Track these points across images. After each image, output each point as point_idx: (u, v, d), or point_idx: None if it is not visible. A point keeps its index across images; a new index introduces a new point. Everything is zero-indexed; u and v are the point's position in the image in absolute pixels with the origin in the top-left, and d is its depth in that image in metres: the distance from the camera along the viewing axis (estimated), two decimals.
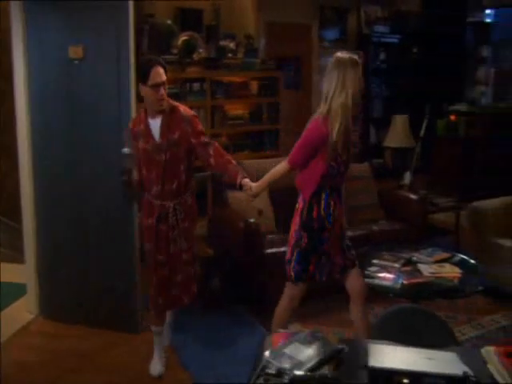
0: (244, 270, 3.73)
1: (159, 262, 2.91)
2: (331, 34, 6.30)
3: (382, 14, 6.28)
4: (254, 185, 2.80)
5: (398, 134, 5.06)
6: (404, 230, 4.45)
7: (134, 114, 3.26)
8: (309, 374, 1.42)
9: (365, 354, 1.48)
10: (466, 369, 1.30)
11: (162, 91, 2.74)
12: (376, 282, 3.26)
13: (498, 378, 1.35)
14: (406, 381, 1.29)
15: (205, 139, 2.85)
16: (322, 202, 2.72)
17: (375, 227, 4.43)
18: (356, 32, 6.38)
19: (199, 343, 3.38)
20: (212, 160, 2.84)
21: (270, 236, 3.97)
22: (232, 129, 5.22)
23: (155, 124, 2.83)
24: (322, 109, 2.65)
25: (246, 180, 2.81)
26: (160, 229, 2.87)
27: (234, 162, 2.89)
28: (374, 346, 1.54)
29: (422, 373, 1.31)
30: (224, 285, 3.98)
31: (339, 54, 2.70)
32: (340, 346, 1.57)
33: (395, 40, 6.62)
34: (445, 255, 3.48)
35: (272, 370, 1.43)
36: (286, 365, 1.46)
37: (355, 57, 2.72)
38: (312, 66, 6.30)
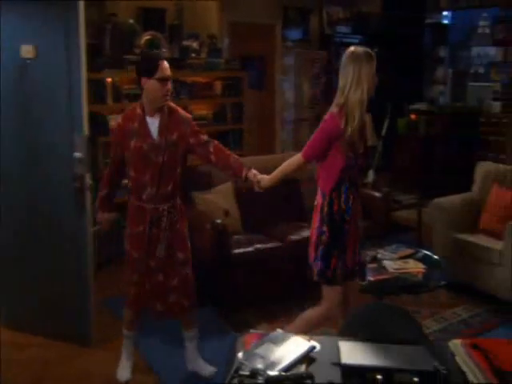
0: (211, 270, 3.72)
1: (152, 268, 2.79)
2: (294, 34, 6.36)
3: (344, 15, 6.38)
4: (266, 177, 2.77)
5: None
6: (368, 228, 4.50)
7: (85, 115, 3.11)
8: (283, 373, 1.44)
9: (337, 351, 1.50)
10: (436, 363, 1.35)
11: (169, 85, 2.69)
12: None
13: (466, 369, 1.40)
14: (378, 377, 1.32)
15: (204, 138, 2.80)
16: (343, 196, 2.68)
17: None
18: (319, 32, 6.46)
19: (166, 346, 3.36)
20: (213, 157, 2.78)
21: (236, 236, 3.97)
22: None
23: (153, 122, 2.71)
24: (338, 101, 2.64)
25: (254, 171, 2.78)
26: (153, 233, 2.76)
27: (235, 156, 2.84)
28: (345, 343, 1.57)
29: (394, 368, 1.34)
30: None
31: (354, 48, 2.71)
32: (312, 345, 1.60)
33: (357, 40, 6.71)
34: (409, 251, 3.59)
35: (246, 371, 1.44)
36: (260, 365, 1.47)
37: (370, 51, 2.72)
38: (275, 65, 6.35)
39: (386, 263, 3.42)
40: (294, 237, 4.08)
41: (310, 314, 2.86)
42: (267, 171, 2.84)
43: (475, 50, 7.11)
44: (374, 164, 5.44)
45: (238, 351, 1.57)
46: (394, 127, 6.86)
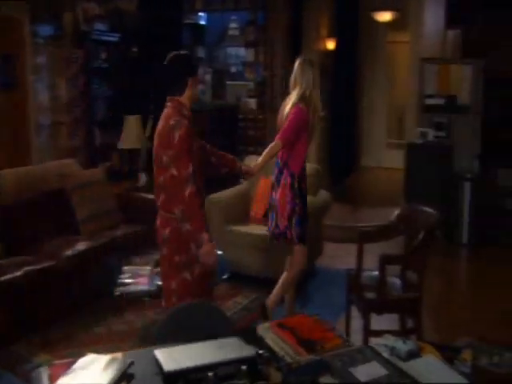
0: None
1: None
2: (46, 30, 5.99)
3: (100, 12, 6.26)
4: (255, 167, 3.28)
5: (131, 135, 5.17)
6: (146, 232, 4.59)
7: None
8: None
9: (156, 360, 1.54)
10: (253, 348, 1.50)
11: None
12: (132, 289, 3.33)
13: (276, 348, 1.59)
14: (209, 374, 1.41)
15: (201, 141, 2.87)
16: (305, 174, 3.52)
17: (117, 233, 4.45)
18: (74, 29, 6.21)
19: None
20: (213, 158, 2.93)
21: None
22: None
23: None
24: (301, 98, 3.39)
25: (245, 167, 3.16)
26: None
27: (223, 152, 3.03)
28: (161, 351, 1.61)
29: (218, 363, 1.45)
30: None
31: (305, 57, 3.59)
32: (128, 361, 1.60)
33: (115, 38, 6.67)
34: None
35: None
36: None
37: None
38: (26, 64, 5.89)
39: None
40: (68, 252, 3.91)
41: (287, 277, 3.57)
42: None
43: (231, 51, 7.75)
44: (142, 166, 5.53)
45: None
46: None
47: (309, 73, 3.44)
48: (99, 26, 6.40)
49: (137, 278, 3.44)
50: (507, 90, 6.64)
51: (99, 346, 3.41)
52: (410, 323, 3.39)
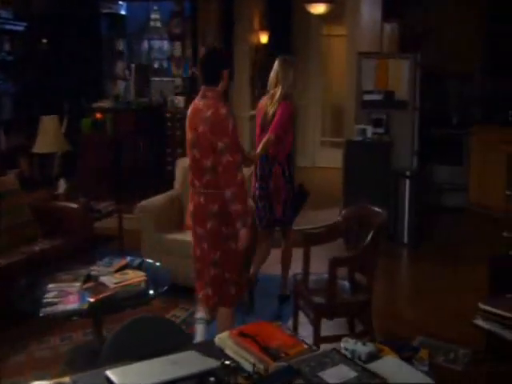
0: None
1: None
2: None
3: None
4: (255, 156, 4.03)
5: (48, 137, 5.01)
6: (69, 245, 4.48)
7: None
8: None
9: (109, 382, 1.52)
10: (214, 360, 1.51)
11: None
12: (60, 308, 3.20)
13: (237, 358, 1.62)
14: None
15: None
16: (290, 161, 4.25)
17: (35, 248, 4.33)
18: None
19: None
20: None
21: None
22: None
23: None
24: (284, 95, 4.05)
25: (248, 154, 3.87)
26: None
27: None
28: (114, 371, 1.59)
29: (178, 378, 1.45)
30: None
31: (285, 56, 4.19)
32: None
33: (21, 28, 6.42)
34: (124, 262, 3.71)
35: None
36: None
37: None
38: None
39: (104, 279, 3.46)
40: None
41: (286, 254, 4.38)
42: None
43: (155, 44, 7.68)
44: (58, 172, 5.38)
45: None
46: (79, 129, 6.88)
47: (290, 73, 4.09)
48: (2, 12, 6.14)
49: (64, 296, 3.32)
50: (441, 85, 7.04)
51: (19, 377, 3.32)
52: (358, 326, 3.52)
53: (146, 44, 8.02)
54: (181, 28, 7.10)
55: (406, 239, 5.80)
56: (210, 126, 3.03)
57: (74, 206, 4.76)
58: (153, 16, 7.82)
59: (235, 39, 6.62)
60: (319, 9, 7.34)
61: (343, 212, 3.71)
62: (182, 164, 4.96)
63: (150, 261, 3.80)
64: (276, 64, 4.13)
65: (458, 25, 6.53)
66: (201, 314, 3.37)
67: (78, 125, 6.89)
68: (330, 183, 7.38)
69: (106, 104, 7.09)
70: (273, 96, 4.10)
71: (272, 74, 4.14)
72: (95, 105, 7.09)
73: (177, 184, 4.93)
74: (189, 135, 3.17)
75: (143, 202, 4.65)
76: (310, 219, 4.93)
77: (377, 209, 3.53)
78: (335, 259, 3.25)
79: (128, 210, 5.41)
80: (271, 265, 4.60)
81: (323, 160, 9.18)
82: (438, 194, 7.00)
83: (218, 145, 3.01)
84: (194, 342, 3.11)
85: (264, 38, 6.98)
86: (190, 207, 3.27)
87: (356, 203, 3.80)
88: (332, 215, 6.44)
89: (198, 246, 3.25)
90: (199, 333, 3.32)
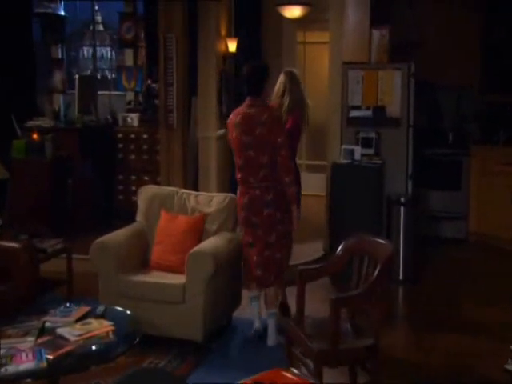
0: None
1: None
2: None
3: None
4: None
5: None
6: (9, 291, 4.41)
7: None
8: None
9: None
10: None
11: None
12: (10, 370, 3.13)
13: None
14: None
15: None
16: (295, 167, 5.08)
17: None
18: None
19: None
20: None
21: None
22: None
23: None
24: (290, 109, 4.81)
25: None
26: None
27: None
28: None
29: None
30: None
31: (291, 70, 5.03)
32: None
33: None
34: (84, 309, 3.69)
35: None
36: None
37: None
38: None
39: (63, 331, 3.42)
40: None
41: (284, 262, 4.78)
42: None
43: (99, 51, 7.70)
44: None
45: None
46: (9, 152, 6.80)
47: (297, 86, 4.87)
48: None
49: (16, 354, 3.26)
50: (436, 99, 7.28)
51: None
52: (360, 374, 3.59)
53: (88, 51, 8.05)
54: (133, 33, 7.17)
55: (401, 275, 5.89)
56: (269, 127, 4.32)
57: (16, 245, 4.68)
58: (98, 18, 7.87)
59: (200, 47, 6.62)
60: (294, 12, 7.48)
61: (343, 244, 3.78)
62: (147, 193, 4.98)
63: (118, 308, 3.79)
64: (282, 76, 4.91)
65: (456, 32, 6.78)
66: (254, 292, 4.65)
67: (7, 147, 6.82)
68: (311, 213, 7.48)
69: (43, 122, 7.06)
70: (280, 107, 4.85)
71: (277, 86, 4.90)
72: (30, 123, 7.05)
73: (140, 216, 4.93)
74: (243, 139, 4.35)
75: (101, 238, 4.62)
76: (294, 254, 4.99)
77: (381, 240, 3.64)
78: (339, 299, 3.33)
79: (78, 249, 5.38)
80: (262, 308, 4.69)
81: (302, 186, 9.22)
82: (433, 222, 7.14)
83: (278, 141, 4.33)
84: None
85: (232, 46, 7.05)
86: (242, 201, 4.48)
87: (343, 235, 3.91)
88: (314, 249, 6.58)
89: (252, 234, 4.49)
90: (255, 312, 4.71)
